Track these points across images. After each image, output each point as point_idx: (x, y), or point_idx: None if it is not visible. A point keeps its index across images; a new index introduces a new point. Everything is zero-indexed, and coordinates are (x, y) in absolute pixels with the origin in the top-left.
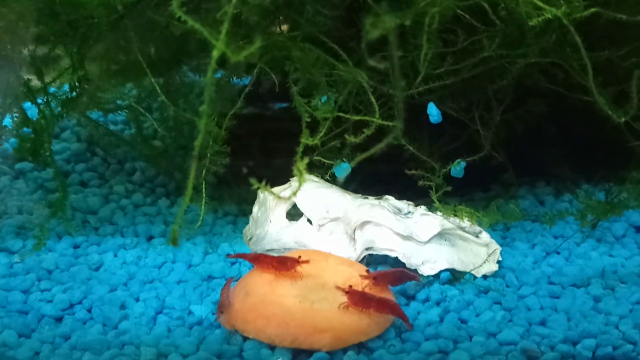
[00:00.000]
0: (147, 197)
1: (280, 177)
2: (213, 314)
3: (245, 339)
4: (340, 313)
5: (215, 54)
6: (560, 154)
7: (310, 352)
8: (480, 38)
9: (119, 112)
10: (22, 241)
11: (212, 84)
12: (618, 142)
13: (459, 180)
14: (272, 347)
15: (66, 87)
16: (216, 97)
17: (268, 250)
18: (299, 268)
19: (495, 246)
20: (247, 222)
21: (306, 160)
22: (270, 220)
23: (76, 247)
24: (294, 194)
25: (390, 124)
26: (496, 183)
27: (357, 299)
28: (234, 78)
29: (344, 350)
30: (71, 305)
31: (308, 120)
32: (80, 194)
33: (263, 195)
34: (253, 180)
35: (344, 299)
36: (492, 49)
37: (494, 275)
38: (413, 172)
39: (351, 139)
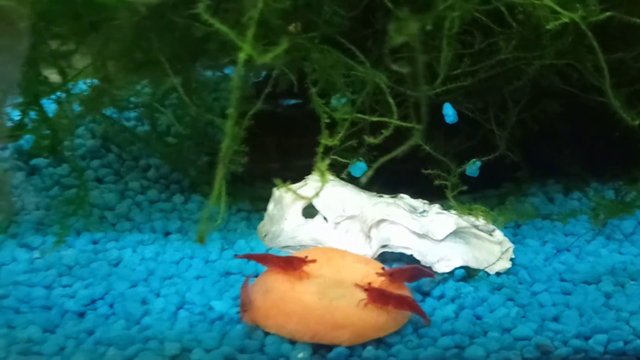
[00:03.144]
0: (162, 193)
1: (293, 174)
2: (238, 312)
3: (266, 334)
4: (359, 310)
5: (242, 56)
6: (571, 153)
7: (330, 347)
8: (497, 40)
9: (136, 109)
10: (42, 237)
11: (239, 87)
12: (628, 141)
13: (470, 178)
14: (292, 342)
15: (82, 84)
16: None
17: (284, 247)
18: (305, 267)
19: (508, 244)
20: (260, 219)
21: (327, 160)
22: (286, 217)
23: (95, 242)
24: (317, 194)
25: (410, 125)
26: (507, 181)
27: (376, 296)
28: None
29: (363, 345)
30: (93, 301)
31: (327, 121)
32: (96, 190)
33: (279, 193)
34: (277, 181)
35: (361, 295)
36: (509, 50)
37: (507, 272)
38: (429, 171)
39: (370, 139)
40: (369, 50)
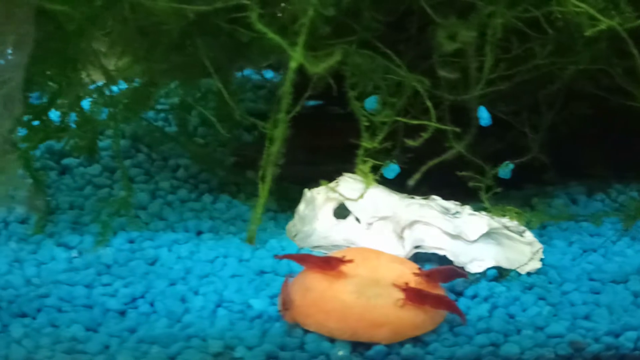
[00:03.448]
0: (192, 192)
1: (318, 175)
2: (279, 311)
3: (305, 332)
4: (398, 308)
5: (293, 64)
6: (594, 155)
7: (368, 345)
8: (533, 46)
9: (172, 110)
10: (79, 236)
11: (289, 92)
12: None
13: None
14: (332, 340)
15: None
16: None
17: (315, 246)
18: (343, 267)
19: (538, 245)
20: (286, 218)
21: (369, 163)
22: (318, 218)
23: (131, 242)
24: (362, 196)
25: (449, 128)
26: (530, 182)
27: (414, 295)
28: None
29: (401, 343)
30: (133, 299)
31: (367, 124)
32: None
33: (310, 193)
34: (323, 182)
35: (397, 294)
36: (544, 56)
37: (537, 272)
38: (463, 173)
39: (411, 142)
40: (403, 54)
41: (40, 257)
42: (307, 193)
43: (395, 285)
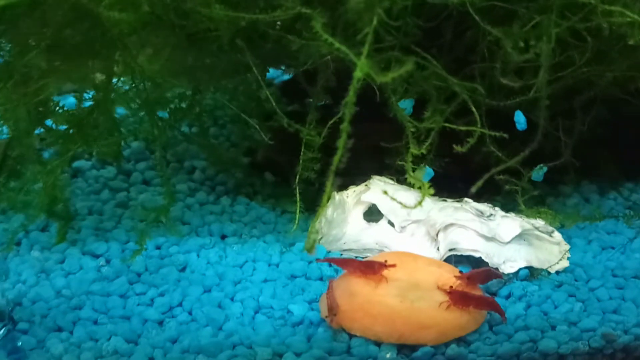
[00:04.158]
0: (209, 195)
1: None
2: (325, 316)
3: (351, 336)
4: (443, 311)
5: (358, 74)
6: (608, 155)
7: (412, 347)
8: (572, 53)
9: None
10: (105, 243)
11: (353, 103)
12: None
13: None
14: (378, 344)
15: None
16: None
17: (345, 250)
18: (385, 272)
19: (566, 245)
20: (306, 220)
21: (423, 169)
22: (348, 221)
23: (158, 247)
24: (419, 203)
25: (497, 134)
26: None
27: (458, 298)
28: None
29: (446, 344)
30: (171, 308)
31: (413, 130)
32: (146, 193)
33: (339, 196)
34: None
35: (439, 297)
36: (583, 63)
37: (564, 270)
38: (501, 177)
39: (459, 148)
40: (437, 59)
41: (68, 266)
42: (336, 196)
43: (440, 289)
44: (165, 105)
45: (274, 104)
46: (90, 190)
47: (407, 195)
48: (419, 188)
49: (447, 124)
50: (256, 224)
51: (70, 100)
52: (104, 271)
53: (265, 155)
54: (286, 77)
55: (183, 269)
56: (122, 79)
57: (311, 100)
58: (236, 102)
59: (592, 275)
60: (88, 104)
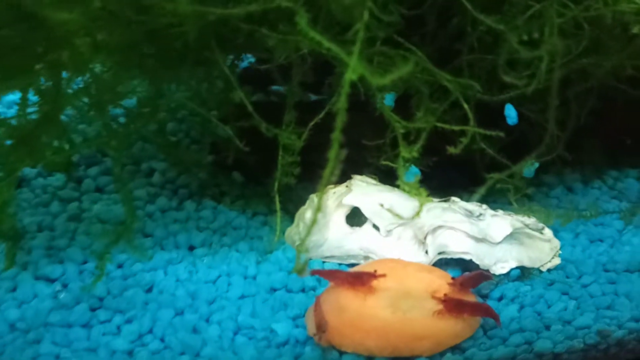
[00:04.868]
0: (171, 200)
1: (305, 171)
2: (313, 334)
3: (341, 353)
4: (437, 320)
5: (350, 76)
6: (593, 143)
7: (408, 359)
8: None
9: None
10: (59, 265)
11: (345, 107)
12: None
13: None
14: (370, 359)
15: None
16: None
17: (328, 257)
18: (375, 282)
19: (556, 241)
20: (282, 223)
21: (408, 169)
22: (329, 226)
23: (120, 266)
24: (418, 214)
25: (492, 133)
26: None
27: (453, 306)
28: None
29: (441, 353)
30: (140, 336)
31: (402, 131)
32: (100, 202)
33: (318, 199)
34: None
35: (432, 304)
36: (580, 52)
37: (556, 268)
38: (492, 176)
39: (452, 150)
40: (421, 49)
41: (21, 295)
42: (315, 199)
43: (434, 297)
44: (119, 105)
45: (242, 96)
46: (38, 202)
47: (393, 197)
48: (408, 191)
49: (437, 124)
50: (226, 231)
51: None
52: (61, 298)
53: (228, 151)
54: (244, 64)
55: (150, 290)
56: (71, 80)
57: (275, 88)
58: (195, 93)
59: (584, 271)
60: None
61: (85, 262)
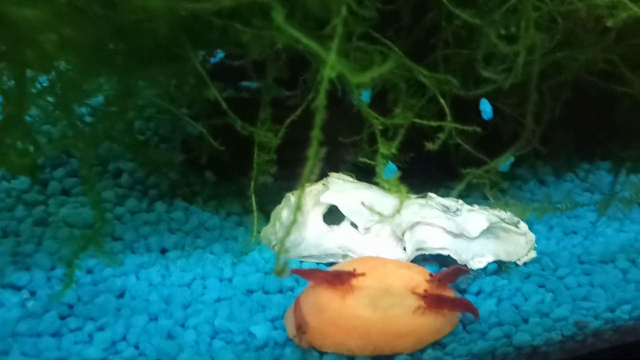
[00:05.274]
0: (141, 201)
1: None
2: (293, 336)
3: (322, 354)
4: (418, 316)
5: (329, 73)
6: (564, 136)
7: (390, 356)
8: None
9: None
10: (26, 272)
11: (324, 106)
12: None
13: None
14: (351, 358)
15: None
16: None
17: (305, 256)
18: (354, 281)
19: (532, 235)
20: (258, 222)
21: (385, 165)
22: (307, 225)
23: (89, 271)
24: (398, 211)
25: (470, 128)
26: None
27: (433, 301)
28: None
29: (421, 350)
30: (113, 343)
31: (380, 128)
32: (67, 205)
33: (296, 198)
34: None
35: (412, 301)
36: (553, 45)
37: (531, 261)
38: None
39: (430, 145)
40: (396, 44)
41: None
42: (291, 197)
43: (414, 293)
44: (85, 104)
45: (216, 93)
46: (2, 206)
47: (370, 194)
48: (389, 188)
49: (415, 120)
50: (199, 232)
51: None
52: (29, 306)
53: (199, 149)
54: (215, 60)
55: (122, 295)
56: (35, 79)
57: (246, 84)
58: (165, 90)
59: (559, 263)
60: None
61: (53, 268)
